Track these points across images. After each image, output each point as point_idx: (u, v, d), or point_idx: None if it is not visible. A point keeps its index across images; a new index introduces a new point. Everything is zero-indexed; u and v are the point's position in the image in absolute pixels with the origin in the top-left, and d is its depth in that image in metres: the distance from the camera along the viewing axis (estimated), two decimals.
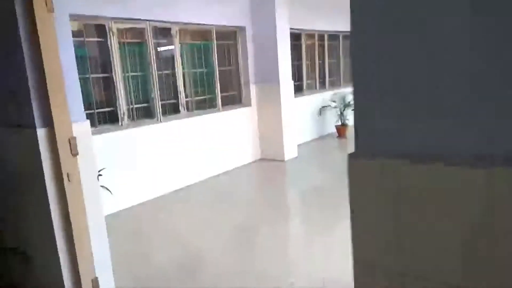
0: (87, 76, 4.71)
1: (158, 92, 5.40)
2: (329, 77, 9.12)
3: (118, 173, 4.79)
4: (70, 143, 2.42)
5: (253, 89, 6.77)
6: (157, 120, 5.40)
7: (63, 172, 2.38)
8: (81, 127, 2.57)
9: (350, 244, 1.07)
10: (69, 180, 2.44)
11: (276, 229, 4.12)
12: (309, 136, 8.28)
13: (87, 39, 4.74)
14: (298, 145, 7.18)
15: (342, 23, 9.12)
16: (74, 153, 2.49)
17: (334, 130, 8.56)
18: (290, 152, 6.87)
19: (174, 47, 5.60)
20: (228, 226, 4.24)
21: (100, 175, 3.60)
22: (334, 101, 8.43)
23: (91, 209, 2.60)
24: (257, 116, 6.89)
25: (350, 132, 8.51)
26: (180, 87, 5.72)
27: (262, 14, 6.43)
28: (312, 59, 8.53)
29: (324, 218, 4.24)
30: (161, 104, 5.47)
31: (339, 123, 8.42)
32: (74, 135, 2.46)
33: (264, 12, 6.41)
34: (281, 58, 6.52)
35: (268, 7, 6.36)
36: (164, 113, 5.54)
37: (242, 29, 6.52)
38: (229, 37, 6.56)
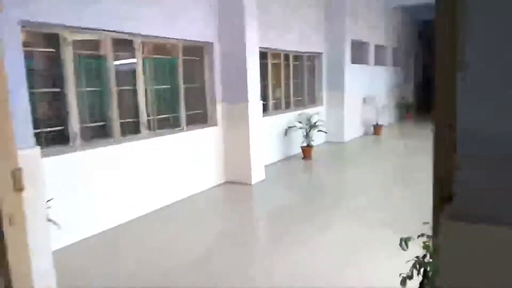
0: (33, 91, 4.11)
1: (117, 110, 4.87)
2: (294, 97, 9.01)
3: (68, 202, 4.17)
4: (14, 177, 1.92)
5: (220, 108, 6.42)
6: (115, 141, 4.86)
7: (2, 215, 1.86)
8: (29, 155, 2.07)
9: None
10: (10, 224, 1.92)
11: (242, 264, 3.73)
12: (275, 157, 8.03)
13: (34, 49, 4.17)
14: (265, 167, 6.89)
15: (306, 44, 9.11)
16: (19, 188, 1.98)
17: (300, 151, 8.38)
18: (257, 174, 6.55)
19: (136, 61, 5.13)
20: (190, 255, 3.78)
21: (47, 207, 3.03)
22: (299, 122, 8.28)
23: (38, 258, 2.08)
24: (223, 137, 6.52)
25: (316, 153, 8.38)
26: (142, 105, 5.23)
27: (230, 30, 6.16)
28: (277, 79, 8.37)
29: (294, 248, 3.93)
30: (120, 123, 4.94)
31: (305, 144, 8.27)
32: (20, 165, 1.96)
33: (233, 28, 6.14)
34: (251, 76, 6.26)
35: (237, 23, 6.11)
36: (123, 133, 5.01)
37: (210, 44, 6.19)
38: (196, 53, 6.20)
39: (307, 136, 8.21)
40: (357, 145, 9.97)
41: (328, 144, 9.71)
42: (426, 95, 19.16)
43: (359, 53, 11.16)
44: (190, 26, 5.76)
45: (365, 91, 11.22)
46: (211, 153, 6.32)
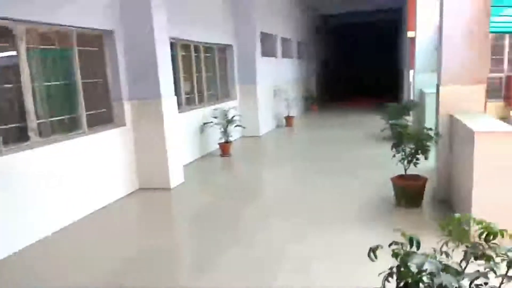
0: None
1: None
2: (207, 91, 8.53)
3: None
4: None
5: (128, 106, 5.64)
6: None
7: None
8: None
9: None
10: None
11: None
12: (191, 157, 7.48)
13: None
14: (183, 168, 6.31)
15: (216, 36, 8.67)
16: None
17: (218, 147, 7.96)
18: (176, 177, 5.95)
19: (19, 54, 4.12)
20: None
21: None
22: (215, 117, 7.84)
23: None
24: (133, 138, 5.76)
25: (234, 148, 8.04)
26: (29, 106, 4.24)
27: (135, 16, 5.41)
28: (188, 72, 7.79)
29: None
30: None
31: (223, 140, 7.87)
32: None
33: (137, 13, 5.40)
34: (162, 68, 5.60)
35: (142, 7, 5.38)
36: (5, 142, 3.99)
37: (110, 33, 5.36)
38: (95, 43, 5.31)
39: (225, 132, 7.81)
40: (274, 138, 9.93)
41: (244, 139, 9.47)
42: (327, 87, 20.31)
43: (267, 45, 11.11)
44: (85, 10, 4.88)
45: (275, 84, 11.24)
46: (120, 158, 5.52)
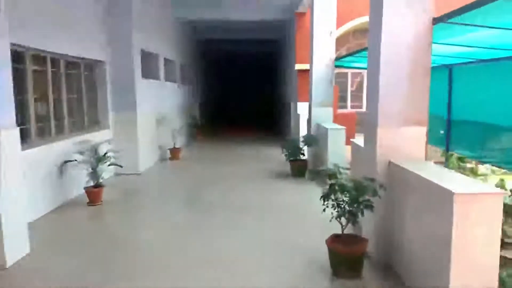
0: None
1: None
2: (70, 118, 6.57)
3: None
4: None
5: None
6: None
7: None
8: None
9: None
10: None
11: None
12: (44, 208, 5.43)
13: None
14: (29, 227, 4.31)
15: (85, 47, 6.84)
16: None
17: (84, 192, 6.04)
18: (15, 249, 3.96)
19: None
20: None
21: None
22: (81, 153, 5.95)
23: None
24: None
25: (107, 193, 6.22)
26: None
27: None
28: (43, 93, 5.79)
29: None
30: None
31: (91, 184, 6.01)
32: None
33: None
34: None
35: None
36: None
37: None
38: None
39: (94, 173, 5.96)
40: (158, 176, 8.33)
41: (120, 178, 7.62)
42: (211, 115, 19.47)
43: (149, 66, 9.59)
44: None
45: (158, 111, 9.72)
46: None
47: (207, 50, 18.62)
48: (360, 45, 12.37)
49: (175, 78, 11.94)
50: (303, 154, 7.68)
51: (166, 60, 10.91)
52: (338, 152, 6.84)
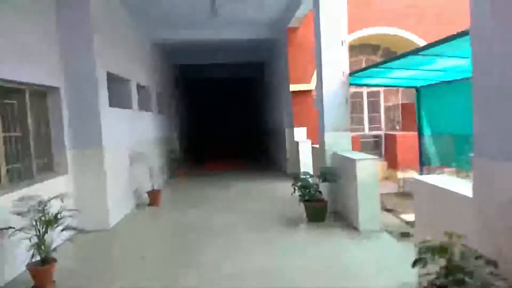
0: None
1: None
2: (9, 164, 4.74)
3: None
4: None
5: None
6: None
7: None
8: None
9: None
10: None
11: None
12: None
13: None
14: None
15: (32, 70, 5.12)
16: None
17: (26, 272, 4.15)
18: None
19: None
20: None
21: None
22: (20, 215, 4.11)
23: None
24: None
25: (60, 270, 4.32)
26: None
27: None
28: None
29: None
30: None
31: (36, 259, 4.13)
32: None
33: None
34: None
35: None
36: None
37: None
38: None
39: (40, 244, 4.09)
40: (133, 233, 6.41)
41: (81, 240, 5.62)
42: (190, 147, 17.72)
43: (118, 93, 7.90)
44: None
45: (131, 145, 7.96)
46: None
47: (186, 77, 17.13)
48: (367, 61, 11.15)
49: (151, 107, 10.25)
50: (320, 192, 6.07)
51: (140, 86, 9.26)
52: (370, 189, 5.29)
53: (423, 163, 8.34)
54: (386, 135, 10.92)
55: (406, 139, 10.32)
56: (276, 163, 13.14)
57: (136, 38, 9.26)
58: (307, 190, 5.97)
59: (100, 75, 6.39)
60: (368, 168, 5.30)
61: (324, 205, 6.02)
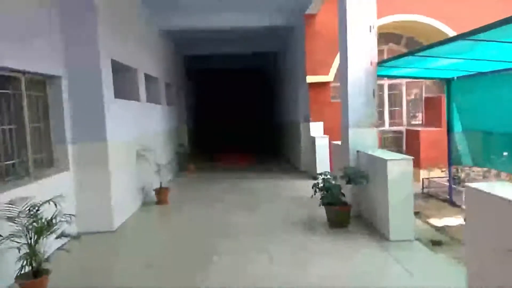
0: None
1: None
2: (2, 160, 4.26)
3: None
4: None
5: None
6: None
7: None
8: None
9: None
10: None
11: None
12: None
13: None
14: None
15: (30, 57, 4.61)
16: None
17: (15, 285, 3.67)
18: None
19: None
20: None
21: None
22: (12, 219, 3.61)
23: None
24: None
25: (54, 279, 3.84)
26: None
27: None
28: None
29: None
30: None
31: (28, 269, 3.64)
32: None
33: None
34: None
35: None
36: None
37: None
38: None
39: (31, 254, 3.60)
40: (140, 235, 5.92)
41: (82, 243, 5.02)
42: (199, 140, 17.23)
43: (124, 83, 7.39)
44: None
45: (139, 140, 7.46)
46: None
47: (195, 68, 16.57)
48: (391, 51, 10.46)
49: (160, 99, 9.73)
50: (343, 195, 5.49)
51: (147, 76, 8.73)
52: (403, 194, 4.70)
53: (452, 162, 7.73)
54: (408, 131, 10.25)
55: (430, 135, 9.65)
56: (289, 159, 12.56)
57: (143, 25, 8.71)
58: (330, 192, 5.40)
59: (105, 64, 5.86)
60: (401, 169, 4.70)
61: (349, 209, 5.44)
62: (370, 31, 5.79)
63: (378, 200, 5.05)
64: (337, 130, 9.66)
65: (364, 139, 5.81)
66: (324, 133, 9.69)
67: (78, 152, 5.72)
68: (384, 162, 4.78)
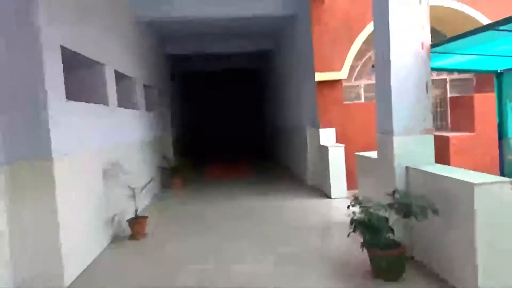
0: None
1: None
2: None
3: None
4: None
5: None
6: None
7: None
8: None
9: None
10: None
11: None
12: None
13: None
14: None
15: None
16: None
17: None
18: None
19: None
20: None
21: None
22: None
23: None
24: None
25: None
26: None
27: None
28: None
29: None
30: None
31: None
32: None
33: None
34: None
35: None
36: None
37: None
38: None
39: None
40: None
41: None
42: (190, 151, 15.50)
43: (84, 82, 5.66)
44: None
45: (106, 155, 5.70)
46: None
47: (183, 69, 14.90)
48: None
49: (136, 103, 7.98)
50: (392, 232, 3.83)
51: (120, 75, 7.00)
52: (500, 234, 3.08)
53: (506, 175, 6.24)
54: (435, 136, 8.70)
55: (462, 141, 8.14)
56: (292, 170, 10.89)
57: (116, 11, 6.99)
58: (373, 229, 3.74)
59: (50, 55, 4.14)
60: (496, 198, 3.08)
61: (403, 253, 3.79)
62: (420, 2, 4.20)
63: (454, 242, 3.41)
64: (353, 138, 8.18)
65: (416, 150, 4.19)
66: (336, 141, 8.09)
67: (12, 175, 3.96)
68: (468, 187, 3.14)
